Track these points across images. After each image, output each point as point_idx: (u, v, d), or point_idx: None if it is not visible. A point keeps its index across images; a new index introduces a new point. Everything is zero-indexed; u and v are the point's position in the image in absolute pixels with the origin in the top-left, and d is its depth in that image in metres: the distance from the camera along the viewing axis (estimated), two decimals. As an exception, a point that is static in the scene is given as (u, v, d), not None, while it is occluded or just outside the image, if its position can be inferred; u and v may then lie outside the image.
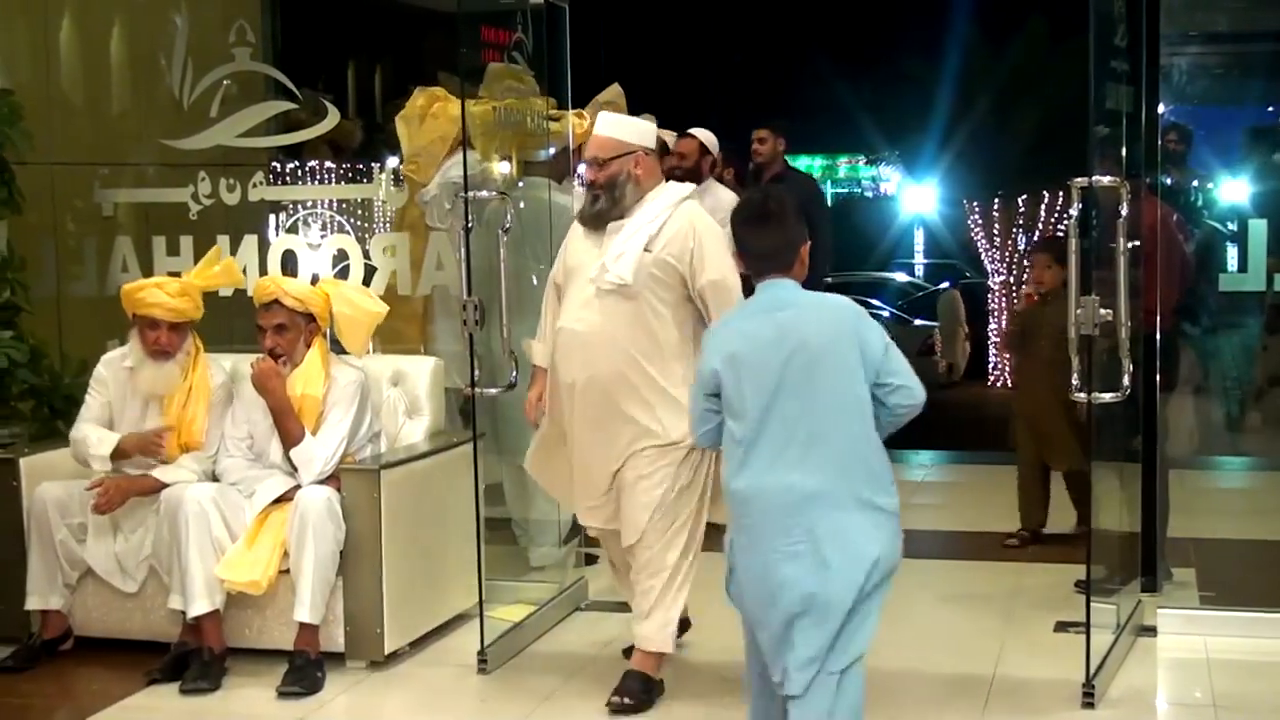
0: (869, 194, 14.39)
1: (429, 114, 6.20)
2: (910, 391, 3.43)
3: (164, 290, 5.31)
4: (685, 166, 6.89)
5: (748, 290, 3.90)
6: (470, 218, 5.42)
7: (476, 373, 5.32)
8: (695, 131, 7.04)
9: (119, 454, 5.21)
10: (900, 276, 14.73)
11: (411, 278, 6.42)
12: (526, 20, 6.25)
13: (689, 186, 4.96)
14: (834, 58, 11.69)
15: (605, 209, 4.74)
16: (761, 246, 3.60)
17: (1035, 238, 11.97)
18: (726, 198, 6.76)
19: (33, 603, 5.34)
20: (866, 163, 14.76)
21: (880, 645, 4.14)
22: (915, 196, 16.46)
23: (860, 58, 11.33)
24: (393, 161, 7.08)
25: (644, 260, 4.63)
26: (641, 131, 4.88)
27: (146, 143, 6.94)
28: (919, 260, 19.08)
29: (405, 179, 6.51)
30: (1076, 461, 6.24)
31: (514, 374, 5.51)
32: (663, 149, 6.67)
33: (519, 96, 6.24)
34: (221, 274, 5.56)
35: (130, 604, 5.36)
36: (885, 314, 9.94)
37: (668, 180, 5.16)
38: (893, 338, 3.54)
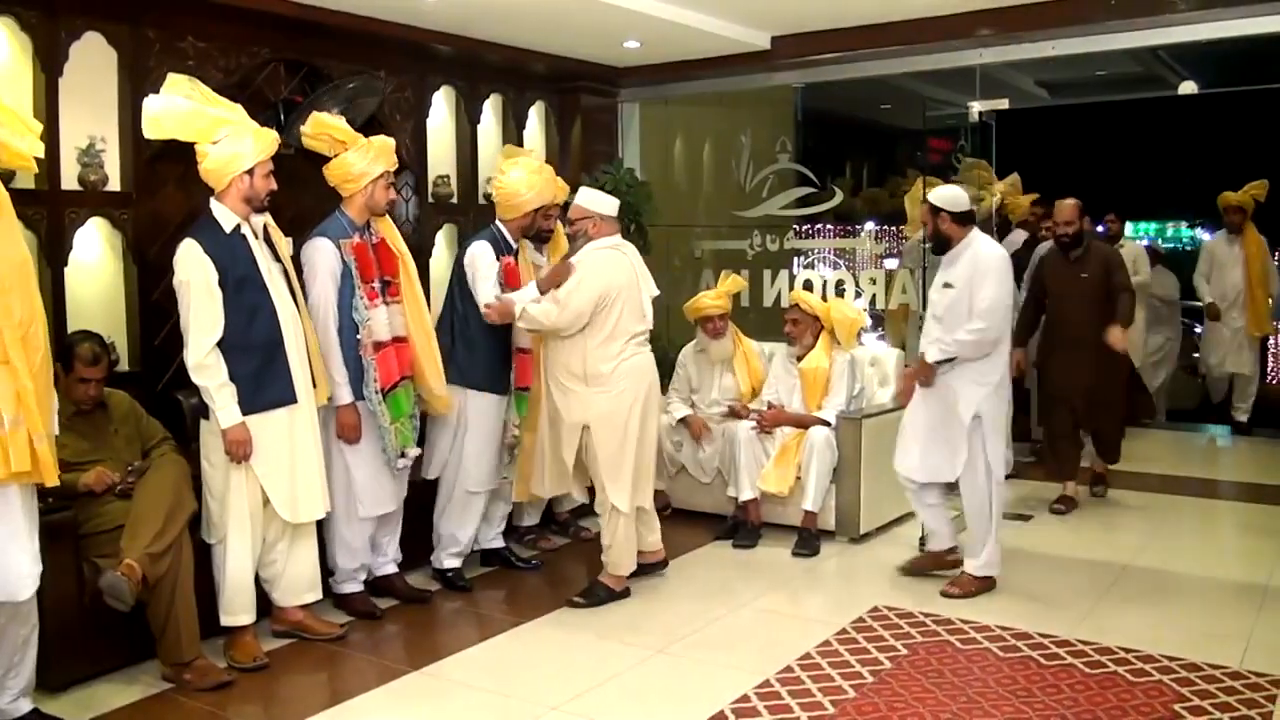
0: (1189, 247, 13.70)
1: (918, 193, 6.17)
2: None
3: (708, 297, 5.76)
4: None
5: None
6: (927, 260, 5.66)
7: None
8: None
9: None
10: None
11: (885, 297, 6.60)
12: (966, 132, 6.28)
13: (605, 240, 4.57)
14: (1165, 159, 11.51)
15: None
16: None
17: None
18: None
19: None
20: (1188, 225, 14.03)
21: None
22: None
23: (1182, 158, 11.07)
24: (870, 225, 7.65)
25: None
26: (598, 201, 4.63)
27: (722, 213, 7.34)
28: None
29: (906, 237, 6.66)
30: None
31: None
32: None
33: (983, 183, 6.31)
34: (732, 284, 5.88)
35: (704, 490, 5.84)
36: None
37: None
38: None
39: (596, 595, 4.64)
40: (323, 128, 4.38)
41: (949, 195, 4.63)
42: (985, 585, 4.71)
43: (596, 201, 4.60)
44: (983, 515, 4.67)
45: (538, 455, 4.72)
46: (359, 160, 4.35)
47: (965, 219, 4.60)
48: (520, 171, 4.85)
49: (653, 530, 4.88)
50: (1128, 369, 6.08)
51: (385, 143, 4.46)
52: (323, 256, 4.29)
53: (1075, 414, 5.95)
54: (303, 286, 4.28)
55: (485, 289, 4.69)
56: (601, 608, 4.61)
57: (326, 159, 4.46)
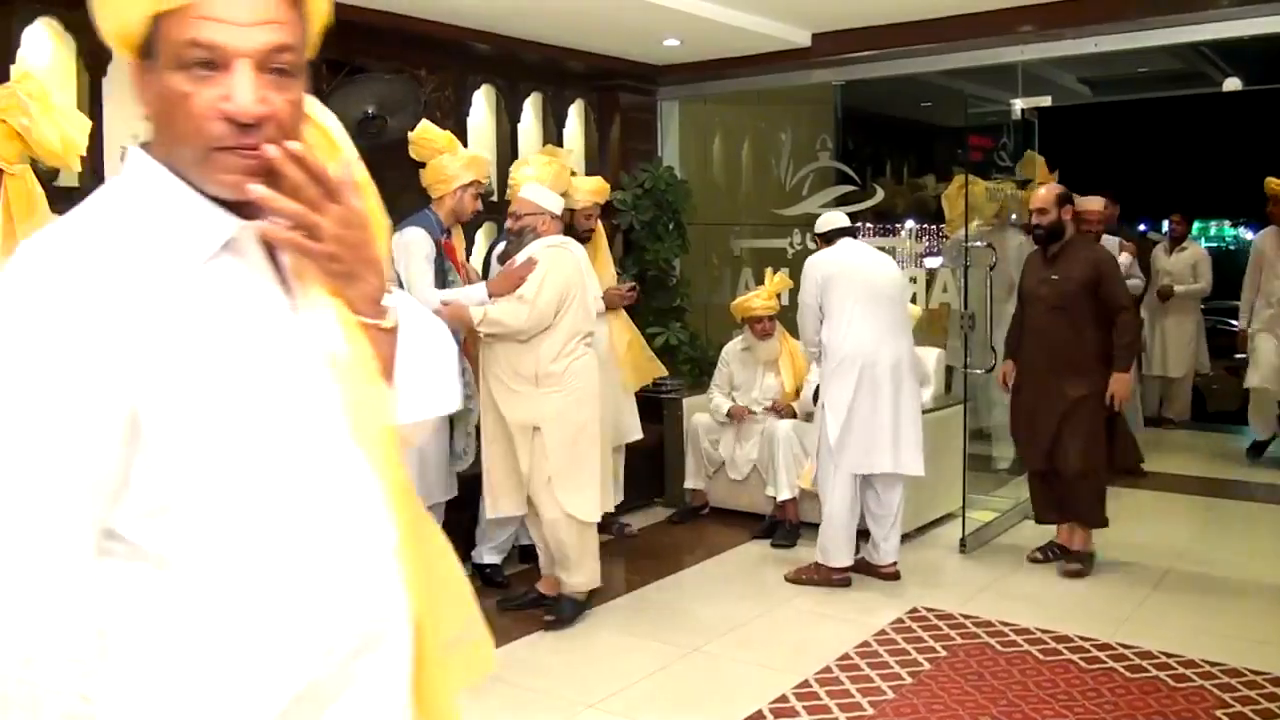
0: (1232, 245, 13.34)
1: (959, 191, 6.06)
2: None
3: (758, 298, 5.74)
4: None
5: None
6: (968, 259, 5.61)
7: (969, 358, 5.53)
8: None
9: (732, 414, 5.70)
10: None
11: (926, 296, 6.55)
12: (1008, 130, 6.24)
13: (555, 239, 4.41)
14: (1209, 157, 11.28)
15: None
16: None
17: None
18: None
19: (688, 483, 5.96)
20: (1231, 224, 13.74)
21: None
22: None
23: (1227, 155, 10.84)
24: (910, 223, 7.55)
25: None
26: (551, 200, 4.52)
27: (761, 211, 7.31)
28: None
29: (946, 236, 6.59)
30: None
31: (993, 360, 5.58)
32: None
33: (1041, 180, 6.16)
34: (779, 283, 5.85)
35: (741, 488, 5.81)
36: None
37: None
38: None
39: (564, 610, 4.41)
40: (427, 137, 4.67)
41: (820, 219, 5.22)
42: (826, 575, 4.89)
43: (546, 198, 4.49)
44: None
45: (486, 469, 4.45)
46: (452, 164, 4.62)
47: (825, 238, 5.07)
48: (532, 169, 4.85)
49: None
50: (1105, 409, 4.84)
51: (479, 156, 4.80)
52: (418, 242, 4.50)
53: (1041, 452, 4.97)
54: None
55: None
56: (637, 608, 4.60)
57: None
